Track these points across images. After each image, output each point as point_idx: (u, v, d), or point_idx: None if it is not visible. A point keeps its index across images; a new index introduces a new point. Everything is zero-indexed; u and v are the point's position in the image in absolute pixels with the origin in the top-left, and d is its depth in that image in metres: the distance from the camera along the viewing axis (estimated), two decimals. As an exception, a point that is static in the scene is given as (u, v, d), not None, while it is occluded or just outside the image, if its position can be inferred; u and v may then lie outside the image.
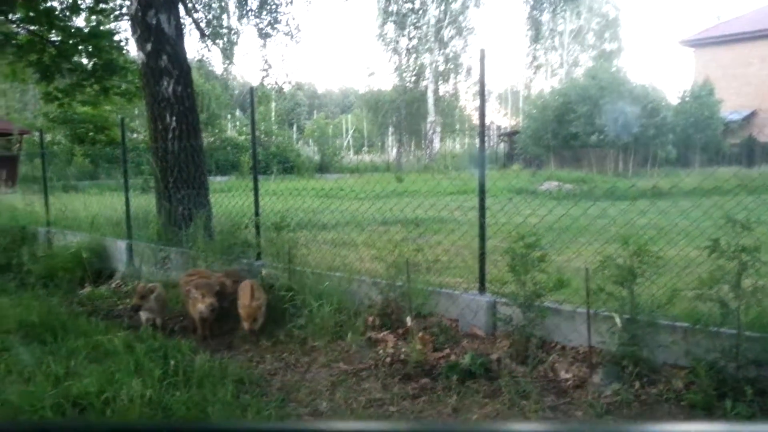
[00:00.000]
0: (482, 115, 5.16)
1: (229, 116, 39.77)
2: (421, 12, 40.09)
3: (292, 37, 16.37)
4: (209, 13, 16.36)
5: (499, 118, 52.19)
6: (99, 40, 10.78)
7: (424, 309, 5.17)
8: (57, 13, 10.43)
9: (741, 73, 31.28)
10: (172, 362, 4.34)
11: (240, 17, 16.54)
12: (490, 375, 4.22)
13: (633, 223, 6.85)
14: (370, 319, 5.17)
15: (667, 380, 3.91)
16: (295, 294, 5.54)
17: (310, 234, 7.99)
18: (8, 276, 7.84)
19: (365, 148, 47.74)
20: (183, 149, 7.79)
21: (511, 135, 37.17)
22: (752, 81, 30.81)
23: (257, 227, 6.81)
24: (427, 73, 40.62)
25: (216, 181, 16.69)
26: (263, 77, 17.05)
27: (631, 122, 26.25)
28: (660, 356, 4.11)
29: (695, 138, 27.70)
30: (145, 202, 8.83)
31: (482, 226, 5.09)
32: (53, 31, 10.69)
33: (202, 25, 15.62)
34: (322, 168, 33.00)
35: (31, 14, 10.03)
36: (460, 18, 40.50)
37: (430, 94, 40.26)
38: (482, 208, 5.08)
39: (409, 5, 40.22)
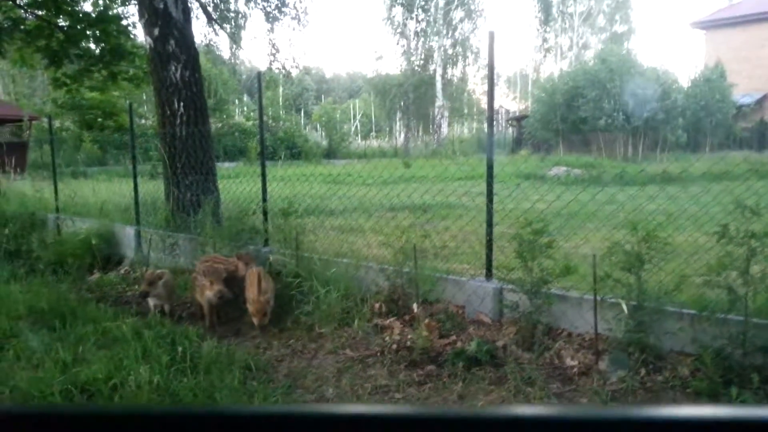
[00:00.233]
0: (491, 100, 5.12)
1: (236, 101, 39.76)
2: (429, -5, 39.76)
3: (299, 21, 16.33)
4: (216, -3, 16.30)
5: (508, 102, 51.91)
6: (107, 24, 10.77)
7: (431, 295, 5.18)
8: (64, -3, 10.43)
9: (753, 55, 30.85)
10: (180, 349, 4.38)
11: (247, 1, 16.50)
12: (496, 362, 4.23)
13: (642, 209, 6.81)
14: (377, 305, 5.18)
15: (673, 367, 3.90)
16: (303, 280, 5.56)
17: (318, 220, 8.01)
18: (18, 262, 7.91)
19: (373, 133, 47.62)
20: (191, 135, 7.79)
21: (519, 119, 36.96)
22: (765, 63, 30.38)
23: (265, 213, 6.82)
24: (436, 56, 40.36)
25: (224, 166, 16.72)
26: (271, 62, 17.03)
27: (641, 106, 26.03)
28: (666, 343, 4.10)
29: (706, 122, 27.42)
30: (154, 188, 8.85)
31: (490, 212, 5.07)
32: (61, 16, 10.69)
33: (210, 9, 15.57)
34: (330, 153, 32.96)
35: (39, -1, 10.04)
36: (469, 0, 40.15)
37: (438, 78, 40.02)
38: (490, 194, 5.06)
39: (417, -12, 39.89)
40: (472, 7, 40.45)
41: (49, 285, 6.62)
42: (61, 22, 10.77)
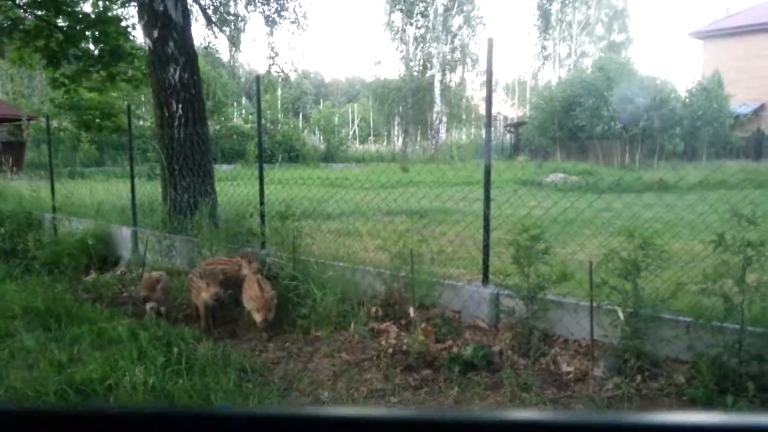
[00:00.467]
0: (489, 106, 5.13)
1: (235, 104, 39.77)
2: (428, 1, 39.87)
3: (298, 24, 16.34)
4: (216, -1, 16.31)
5: (506, 108, 52.00)
6: (106, 25, 10.77)
7: (427, 300, 5.18)
8: (64, -2, 10.43)
9: (751, 65, 30.95)
10: (175, 350, 4.37)
11: (247, 4, 16.52)
12: (491, 367, 4.23)
13: (638, 217, 6.83)
14: (373, 309, 5.18)
15: (668, 374, 3.91)
16: (299, 283, 5.55)
17: (315, 223, 8.00)
18: (14, 262, 7.88)
19: (371, 138, 47.65)
20: (189, 137, 7.79)
21: (517, 126, 37.04)
22: (762, 73, 30.48)
23: (262, 216, 6.82)
24: (434, 62, 40.46)
25: (221, 169, 16.70)
26: (270, 65, 17.03)
27: (638, 114, 26.12)
28: (662, 350, 4.10)
29: (703, 131, 27.49)
30: (151, 190, 8.84)
31: (487, 218, 5.08)
32: (60, 17, 10.69)
33: (209, 11, 15.58)
34: (328, 157, 32.98)
35: (38, -1, 10.04)
36: (468, 7, 40.29)
37: (436, 84, 40.11)
38: (487, 200, 5.07)
39: (416, -6, 40.00)
40: (472, 14, 40.59)
41: (45, 285, 6.60)
42: (61, 23, 10.77)
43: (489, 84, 5.12)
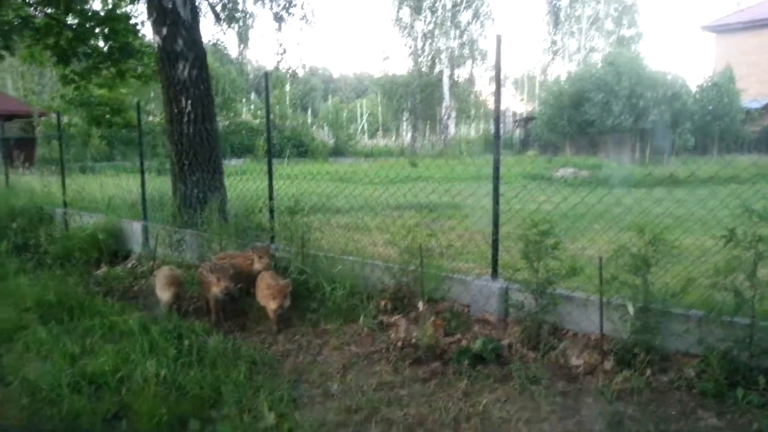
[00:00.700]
0: (498, 101, 5.13)
1: (244, 100, 39.82)
2: (437, -4, 39.75)
3: (307, 21, 16.34)
4: (225, -4, 16.34)
5: (515, 103, 51.82)
6: (115, 23, 10.82)
7: (437, 294, 5.19)
8: (74, -4, 10.48)
9: (763, 59, 30.68)
10: (186, 343, 4.41)
11: (255, 1, 16.52)
12: (501, 360, 4.24)
13: (648, 212, 6.81)
14: (383, 303, 5.20)
15: (678, 368, 3.90)
16: (308, 277, 5.58)
17: (324, 218, 8.02)
18: (26, 256, 7.95)
19: (380, 133, 47.62)
20: (198, 132, 7.83)
21: (526, 121, 36.92)
22: (776, 68, 30.20)
23: (271, 211, 6.85)
24: (443, 57, 40.35)
25: (230, 164, 16.75)
26: (278, 61, 17.05)
27: (649, 109, 25.98)
28: (672, 344, 4.10)
29: (714, 125, 27.33)
30: (161, 185, 8.89)
31: (496, 213, 5.07)
32: (70, 15, 10.75)
33: (218, 8, 15.62)
34: (336, 152, 33.00)
35: (49, -3, 10.09)
36: (477, 2, 40.11)
37: (445, 79, 40.02)
38: (496, 194, 5.06)
39: (425, -11, 39.88)
40: (480, 9, 40.42)
41: (57, 279, 6.66)
42: (70, 20, 10.83)
43: (498, 79, 5.11)
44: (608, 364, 4.03)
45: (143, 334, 4.61)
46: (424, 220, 7.79)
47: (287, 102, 40.23)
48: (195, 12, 8.07)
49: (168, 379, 3.81)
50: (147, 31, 11.55)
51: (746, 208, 3.80)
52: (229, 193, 8.18)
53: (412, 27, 40.89)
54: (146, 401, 3.44)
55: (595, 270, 4.24)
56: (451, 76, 40.53)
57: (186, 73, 7.79)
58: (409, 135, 42.63)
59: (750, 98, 28.98)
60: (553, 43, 47.75)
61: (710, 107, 27.46)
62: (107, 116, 27.33)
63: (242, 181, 8.40)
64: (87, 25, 10.77)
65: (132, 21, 11.24)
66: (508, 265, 4.82)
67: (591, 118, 27.76)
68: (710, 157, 24.56)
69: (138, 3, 12.12)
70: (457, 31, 40.61)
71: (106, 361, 4.05)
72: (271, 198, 6.92)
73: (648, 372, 3.89)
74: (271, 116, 7.86)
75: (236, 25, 17.56)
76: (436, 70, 41.05)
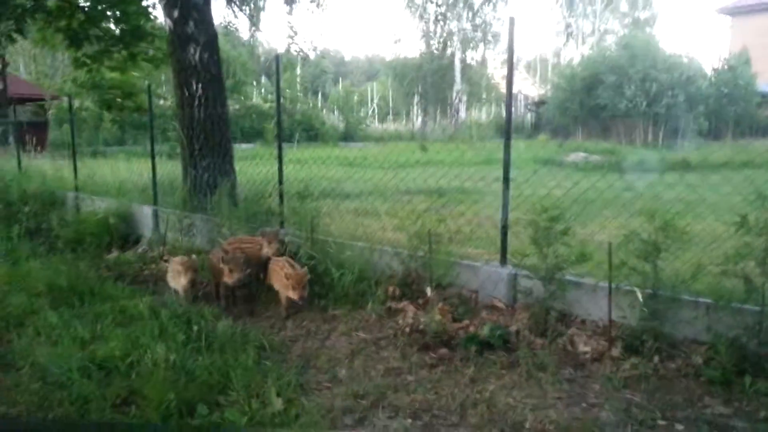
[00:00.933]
0: (510, 85, 5.08)
1: (254, 83, 39.74)
2: (450, -23, 39.35)
3: (318, 3, 16.24)
4: (235, -22, 16.26)
5: (527, 86, 51.35)
6: (127, 5, 10.79)
7: (445, 280, 5.18)
8: (85, -22, 10.47)
9: (781, 42, 30.18)
10: (195, 328, 4.43)
11: (266, -17, 16.42)
12: (508, 346, 4.24)
13: (660, 197, 6.75)
14: (391, 288, 5.20)
15: (686, 355, 3.89)
16: (317, 263, 5.59)
17: (333, 203, 8.02)
18: (38, 240, 8.03)
19: (390, 117, 47.42)
20: (208, 117, 7.83)
21: (538, 105, 36.64)
22: (792, 51, 29.69)
23: (281, 196, 6.86)
24: (455, 40, 40.02)
25: (241, 148, 16.78)
26: (289, 44, 16.97)
27: (663, 92, 25.68)
28: (681, 331, 4.08)
29: (729, 109, 26.98)
30: (171, 169, 8.92)
31: (506, 198, 5.05)
32: (82, -3, 10.74)
33: (229, -10, 15.54)
34: (347, 136, 32.91)
35: (60, -20, 10.08)
36: (490, -16, 39.67)
37: (457, 62, 39.71)
38: (506, 180, 5.03)
39: (437, -29, 39.50)
40: (494, -9, 39.97)
41: (68, 263, 6.71)
42: (82, 3, 10.82)
43: (510, 63, 5.06)
44: (616, 351, 4.02)
45: (153, 319, 4.65)
46: (433, 206, 7.76)
47: (298, 85, 40.10)
48: (206, -6, 8.04)
49: (177, 364, 3.84)
50: (158, 14, 11.53)
51: (759, 194, 3.76)
52: (239, 177, 8.19)
53: (424, 9, 40.56)
54: (155, 386, 3.47)
55: (604, 256, 4.22)
56: (462, 59, 40.22)
57: (197, 56, 7.77)
58: (420, 119, 42.43)
59: (766, 81, 28.56)
60: (567, 25, 47.23)
61: (725, 91, 27.09)
62: (118, 100, 27.36)
63: (252, 165, 8.41)
64: (99, 8, 10.76)
65: (143, 3, 11.22)
66: (517, 251, 4.80)
67: (603, 101, 27.51)
68: (724, 142, 24.27)
69: (149, -15, 12.08)
70: (470, 14, 40.23)
71: (116, 346, 4.09)
72: (280, 183, 6.92)
73: (656, 359, 3.88)
74: (282, 100, 7.84)
75: (247, 8, 17.50)
76: (448, 52, 40.73)
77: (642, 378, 3.71)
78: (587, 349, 4.12)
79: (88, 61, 11.92)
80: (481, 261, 5.41)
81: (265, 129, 26.03)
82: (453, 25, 40.05)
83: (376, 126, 40.77)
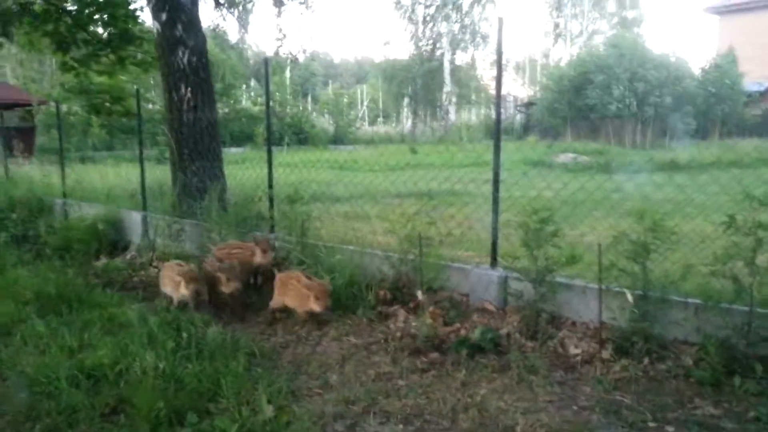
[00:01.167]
0: (499, 87, 5.09)
1: (244, 86, 39.64)
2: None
3: (307, 5, 16.21)
4: (224, -19, 16.19)
5: (517, 87, 51.54)
6: (114, 9, 10.74)
7: (436, 283, 5.17)
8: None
9: (766, 42, 30.38)
10: (185, 335, 4.40)
11: (254, -15, 16.38)
12: (499, 350, 4.24)
13: (649, 198, 6.78)
14: (382, 293, 5.19)
15: (676, 356, 3.90)
16: (308, 267, 5.57)
17: (324, 207, 8.00)
18: (25, 247, 7.96)
19: (380, 119, 47.43)
20: (197, 121, 7.80)
21: (527, 106, 36.76)
22: (779, 50, 29.87)
23: (271, 200, 6.83)
24: (444, 41, 40.11)
25: (230, 152, 16.73)
26: (278, 47, 16.93)
27: (651, 92, 25.82)
28: (670, 333, 4.09)
29: (716, 109, 27.18)
30: (161, 174, 8.87)
31: (496, 200, 5.05)
32: (68, 1, 10.67)
33: (217, -7, 15.48)
34: (337, 139, 32.89)
35: (47, -17, 10.02)
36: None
37: (446, 64, 39.80)
38: (496, 182, 5.04)
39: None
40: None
41: (56, 270, 6.65)
42: (69, 7, 10.75)
43: (499, 64, 5.07)
44: (606, 353, 4.03)
45: (142, 326, 4.62)
46: (423, 208, 7.76)
47: (287, 88, 40.05)
48: (195, -3, 8.01)
49: (166, 371, 3.81)
50: (147, 17, 11.48)
51: (747, 194, 3.78)
52: (228, 181, 8.16)
53: (413, 10, 40.63)
54: (144, 395, 3.44)
55: (594, 257, 4.22)
56: (452, 61, 40.31)
57: (186, 59, 7.74)
58: (410, 121, 42.46)
59: (753, 81, 28.77)
60: (556, 26, 47.45)
61: (713, 90, 27.28)
62: (107, 104, 27.21)
63: (242, 169, 8.37)
64: (86, 11, 10.70)
65: (131, 7, 11.16)
66: (507, 253, 4.80)
67: (592, 101, 27.62)
68: (712, 141, 24.44)
69: (137, -12, 12.02)
70: (459, 15, 40.33)
71: (104, 354, 4.05)
72: (270, 186, 6.90)
73: (646, 360, 3.89)
74: (271, 103, 7.82)
75: (236, 10, 17.43)
76: (437, 54, 40.81)
77: (632, 380, 3.72)
78: (578, 351, 4.13)
79: (76, 65, 11.84)
80: (471, 264, 5.41)
81: (255, 132, 25.98)
82: (442, 27, 40.13)
83: (366, 128, 40.77)
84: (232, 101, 33.60)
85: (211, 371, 3.84)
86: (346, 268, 5.39)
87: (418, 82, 40.86)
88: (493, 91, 6.13)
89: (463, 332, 4.50)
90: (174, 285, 5.33)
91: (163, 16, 7.70)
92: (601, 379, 3.76)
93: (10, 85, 32.83)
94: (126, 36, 11.08)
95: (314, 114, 38.96)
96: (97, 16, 10.90)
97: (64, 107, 20.50)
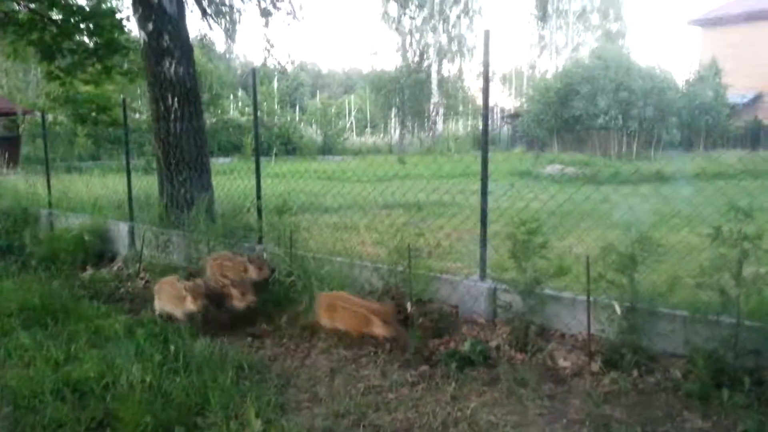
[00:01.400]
0: (486, 97, 5.11)
1: (231, 96, 39.58)
2: (425, -9, 39.69)
3: (294, 16, 16.23)
4: (211, -9, 16.17)
5: (503, 99, 51.89)
6: (100, 18, 10.67)
7: (425, 295, 5.16)
8: (58, -10, 10.33)
9: (750, 53, 30.79)
10: (172, 348, 4.36)
11: (242, -5, 16.36)
12: (489, 362, 4.23)
13: (635, 209, 6.83)
14: (371, 304, 5.16)
15: (665, 369, 3.91)
16: (296, 279, 5.54)
17: (312, 217, 7.99)
18: (10, 258, 7.85)
19: (368, 130, 47.50)
20: (185, 130, 7.76)
21: (513, 117, 36.99)
22: (761, 61, 30.27)
23: (259, 210, 6.81)
24: (431, 53, 40.32)
25: (218, 162, 16.68)
26: (266, 57, 16.92)
27: (635, 104, 26.07)
28: (659, 345, 4.11)
29: (701, 120, 27.48)
30: (148, 184, 8.82)
31: (484, 212, 5.06)
32: (54, 9, 10.61)
33: (204, 3, 15.46)
34: (325, 150, 32.89)
35: (32, -9, 9.95)
36: (465, -3, 40.11)
37: (434, 75, 40.00)
38: (484, 193, 5.05)
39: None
40: (469, 4, 40.41)
41: (42, 281, 6.58)
42: (55, 16, 10.68)
43: (486, 75, 5.10)
44: (595, 366, 4.03)
45: (129, 339, 4.57)
46: (412, 219, 7.77)
47: (275, 98, 40.04)
48: (181, 7, 7.99)
49: (153, 385, 3.77)
50: (133, 27, 11.43)
51: (732, 206, 3.81)
52: (216, 192, 8.12)
53: (400, 22, 40.84)
54: (131, 408, 3.40)
55: (582, 269, 4.24)
56: (439, 72, 40.53)
57: (172, 69, 7.71)
58: (398, 132, 42.57)
59: (736, 93, 29.14)
60: (541, 38, 47.85)
61: (697, 102, 27.60)
62: (93, 114, 27.04)
63: (230, 179, 8.34)
64: (71, 21, 10.61)
65: (117, 16, 11.12)
66: (496, 264, 4.81)
67: (578, 112, 27.84)
68: (696, 153, 24.69)
69: (123, -2, 12.01)
70: (446, 26, 40.59)
71: (90, 368, 4.00)
72: (258, 197, 6.88)
73: (635, 373, 3.90)
74: (259, 113, 7.81)
75: (223, 21, 17.41)
76: (425, 65, 41.02)
77: (622, 393, 3.73)
78: (567, 364, 4.13)
79: (61, 75, 11.75)
80: (460, 275, 5.41)
81: (243, 142, 25.91)
82: (429, 38, 40.36)
83: (354, 139, 40.80)
84: (219, 111, 33.53)
85: (198, 384, 3.80)
86: (335, 280, 5.36)
87: (406, 93, 41.01)
88: (480, 102, 6.17)
89: (452, 345, 4.50)
90: (178, 301, 5.14)
91: (150, 27, 7.68)
92: (590, 392, 3.76)
93: (-5, 94, 32.56)
94: (112, 45, 11.01)
95: (302, 124, 38.97)
96: (82, 26, 10.82)
97: (49, 117, 20.34)
